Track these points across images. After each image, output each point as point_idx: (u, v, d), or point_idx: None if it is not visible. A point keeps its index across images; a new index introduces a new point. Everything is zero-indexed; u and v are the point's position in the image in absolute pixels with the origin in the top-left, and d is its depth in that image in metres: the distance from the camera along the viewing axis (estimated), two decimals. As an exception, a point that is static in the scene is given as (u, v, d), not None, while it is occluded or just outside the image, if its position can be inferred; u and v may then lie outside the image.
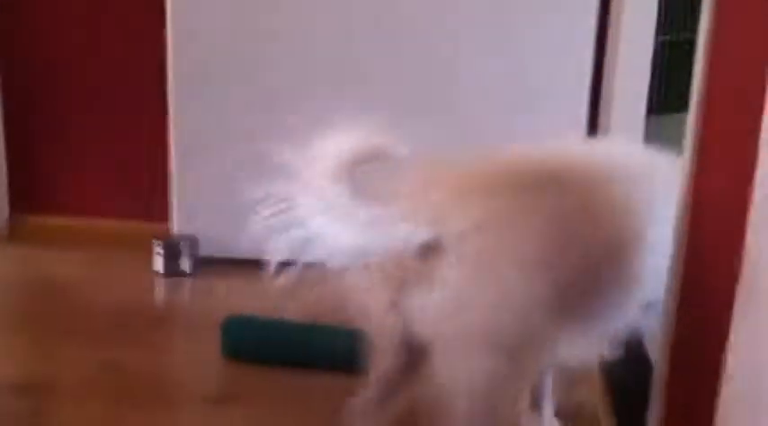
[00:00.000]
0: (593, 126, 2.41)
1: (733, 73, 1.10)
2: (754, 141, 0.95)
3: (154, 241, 2.54)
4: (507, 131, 2.42)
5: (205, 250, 2.58)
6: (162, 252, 2.53)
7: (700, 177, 1.15)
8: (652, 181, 1.26)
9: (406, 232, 1.01)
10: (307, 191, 1.12)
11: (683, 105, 2.69)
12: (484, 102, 2.42)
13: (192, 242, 2.55)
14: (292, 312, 2.15)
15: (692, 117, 1.17)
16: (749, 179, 0.95)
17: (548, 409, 1.53)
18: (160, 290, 2.49)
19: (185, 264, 2.54)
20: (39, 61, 2.69)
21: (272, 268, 1.14)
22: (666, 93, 2.62)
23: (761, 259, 0.92)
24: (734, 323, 0.97)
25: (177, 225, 2.59)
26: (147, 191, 2.70)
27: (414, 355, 1.14)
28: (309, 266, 1.14)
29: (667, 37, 2.61)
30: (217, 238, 2.58)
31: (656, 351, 1.28)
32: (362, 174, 1.08)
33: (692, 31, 1.74)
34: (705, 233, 1.14)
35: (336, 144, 1.14)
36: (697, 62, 1.14)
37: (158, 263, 2.54)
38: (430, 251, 1.04)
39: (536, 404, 1.50)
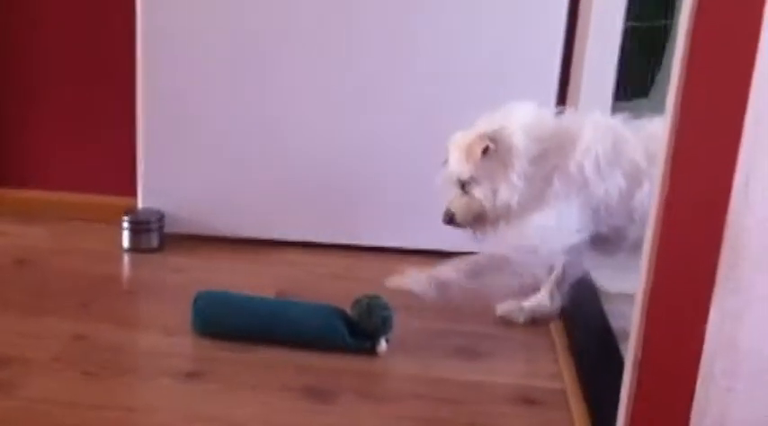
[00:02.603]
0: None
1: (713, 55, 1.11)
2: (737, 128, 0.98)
3: (123, 216, 2.54)
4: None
5: (172, 226, 2.59)
6: (129, 227, 2.53)
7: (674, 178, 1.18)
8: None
9: None
10: None
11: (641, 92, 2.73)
12: (450, 90, 2.45)
13: (159, 217, 2.56)
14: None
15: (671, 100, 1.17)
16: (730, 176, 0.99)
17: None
18: (128, 265, 2.49)
19: (153, 239, 2.54)
20: (4, 35, 2.66)
21: None
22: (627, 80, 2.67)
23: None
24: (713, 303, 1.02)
25: (144, 200, 2.60)
26: (117, 166, 2.70)
27: None
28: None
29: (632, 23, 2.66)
30: (183, 215, 2.59)
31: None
32: None
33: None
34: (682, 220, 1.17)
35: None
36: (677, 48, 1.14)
37: (126, 238, 2.54)
38: None
39: None
